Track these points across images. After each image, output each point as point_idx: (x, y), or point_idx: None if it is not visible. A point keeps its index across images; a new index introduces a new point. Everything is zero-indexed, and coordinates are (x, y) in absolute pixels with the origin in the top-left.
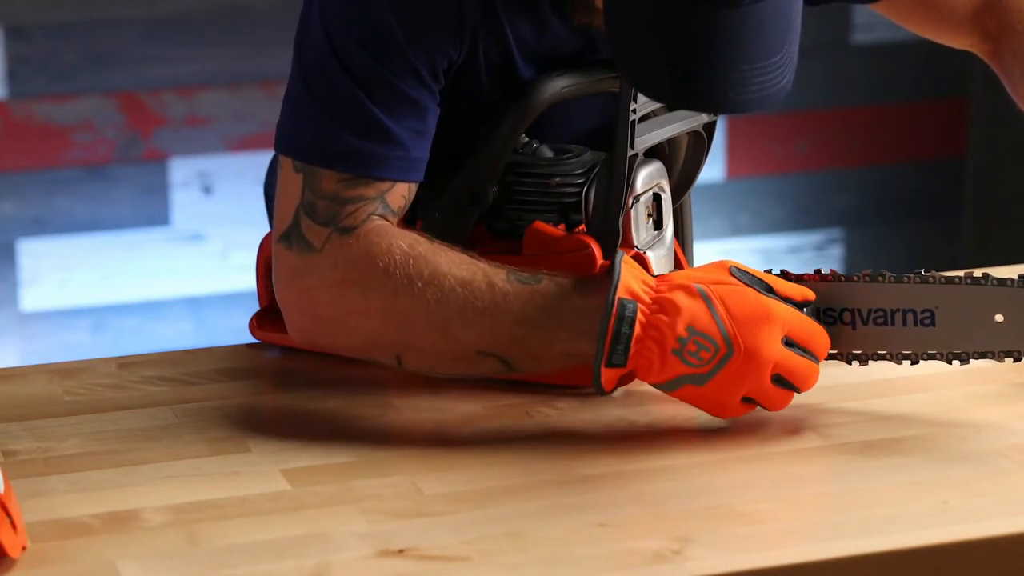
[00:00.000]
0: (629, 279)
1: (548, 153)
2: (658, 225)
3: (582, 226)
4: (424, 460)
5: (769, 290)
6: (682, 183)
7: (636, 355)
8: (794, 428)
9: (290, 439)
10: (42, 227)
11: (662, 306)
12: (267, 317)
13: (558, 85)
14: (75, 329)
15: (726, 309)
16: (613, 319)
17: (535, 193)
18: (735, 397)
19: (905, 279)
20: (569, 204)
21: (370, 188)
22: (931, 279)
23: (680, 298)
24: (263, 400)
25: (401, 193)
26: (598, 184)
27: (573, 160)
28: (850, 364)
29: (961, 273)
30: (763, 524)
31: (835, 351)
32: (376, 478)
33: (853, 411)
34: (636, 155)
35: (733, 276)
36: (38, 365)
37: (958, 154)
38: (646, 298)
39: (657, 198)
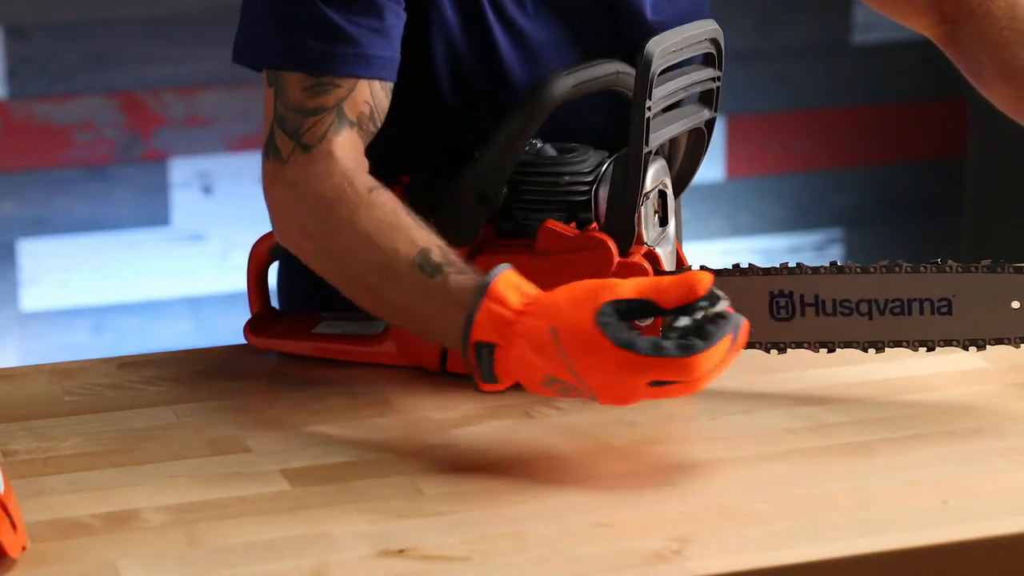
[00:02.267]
0: (487, 318)
1: (552, 152)
2: (663, 222)
3: (593, 224)
4: (424, 460)
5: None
6: (681, 180)
7: (504, 376)
8: (794, 428)
9: (290, 439)
10: (42, 227)
11: (519, 352)
12: (259, 323)
13: (568, 83)
14: (75, 329)
15: (579, 359)
16: (472, 357)
17: (543, 192)
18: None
19: (922, 268)
20: (577, 203)
21: (329, 96)
22: (948, 268)
23: (526, 353)
24: (263, 400)
25: (362, 98)
26: (612, 181)
27: (581, 159)
28: (866, 352)
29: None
30: (763, 524)
31: (852, 340)
32: (376, 478)
33: (853, 411)
34: (650, 152)
35: (599, 321)
36: (38, 365)
37: (958, 154)
38: (502, 342)
39: (662, 195)
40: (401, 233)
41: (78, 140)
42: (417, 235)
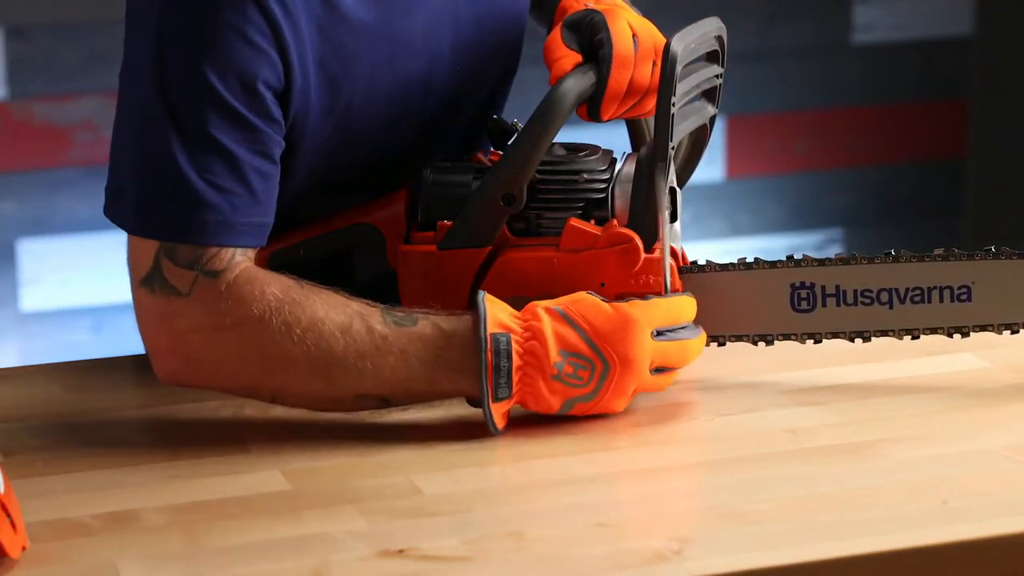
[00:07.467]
0: (497, 312)
1: (562, 151)
2: (673, 218)
3: (612, 221)
4: (424, 460)
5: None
6: (681, 176)
7: (520, 384)
8: (794, 428)
9: (290, 439)
10: (42, 227)
11: (533, 333)
12: None
13: (585, 83)
14: (75, 329)
15: (589, 324)
16: (490, 354)
17: (561, 191)
18: (625, 400)
19: (949, 256)
20: (594, 200)
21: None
22: (969, 255)
23: (546, 323)
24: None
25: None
26: (636, 178)
27: (594, 157)
28: (886, 336)
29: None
30: (763, 524)
31: (873, 330)
32: (376, 478)
33: (852, 411)
34: (674, 148)
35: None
36: (38, 365)
37: (958, 154)
38: (517, 328)
39: (672, 192)
40: (352, 306)
41: (78, 140)
42: (363, 304)
